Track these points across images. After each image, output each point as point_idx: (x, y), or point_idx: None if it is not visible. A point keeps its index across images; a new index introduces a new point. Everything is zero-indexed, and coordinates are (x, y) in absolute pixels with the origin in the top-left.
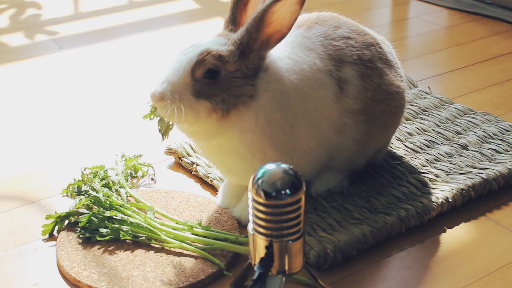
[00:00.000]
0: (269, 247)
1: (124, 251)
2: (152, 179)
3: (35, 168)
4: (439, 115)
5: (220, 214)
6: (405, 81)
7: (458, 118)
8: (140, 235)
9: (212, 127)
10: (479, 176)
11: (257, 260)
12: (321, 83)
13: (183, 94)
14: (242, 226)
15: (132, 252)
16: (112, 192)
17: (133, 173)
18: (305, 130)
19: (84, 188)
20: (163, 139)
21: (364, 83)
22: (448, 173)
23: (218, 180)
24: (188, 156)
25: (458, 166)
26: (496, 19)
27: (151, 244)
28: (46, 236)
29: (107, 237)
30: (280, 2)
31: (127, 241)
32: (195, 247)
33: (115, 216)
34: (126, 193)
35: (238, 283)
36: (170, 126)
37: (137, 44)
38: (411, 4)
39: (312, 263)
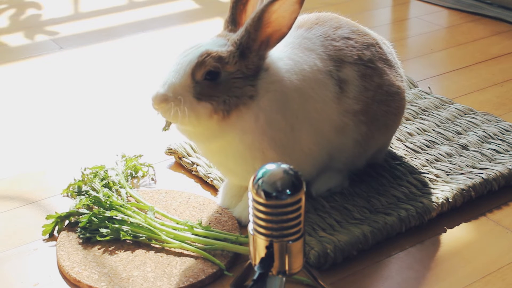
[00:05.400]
0: (269, 247)
1: (124, 251)
2: (153, 179)
3: (35, 168)
4: (439, 115)
5: (220, 214)
6: (406, 81)
7: (458, 118)
8: (141, 235)
9: (213, 128)
10: (479, 176)
11: (258, 260)
12: (321, 84)
13: (184, 96)
14: (242, 226)
15: (132, 252)
16: (113, 192)
17: (133, 173)
18: (305, 130)
19: (84, 188)
20: (165, 129)
21: (365, 83)
22: (448, 173)
23: (218, 180)
24: (188, 156)
25: (459, 166)
26: (496, 19)
27: (152, 244)
28: (46, 236)
29: (108, 237)
30: (278, 1)
31: (128, 241)
32: (196, 247)
33: (116, 216)
34: (126, 193)
35: (238, 283)
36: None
37: (137, 44)
38: (411, 4)
39: (313, 263)
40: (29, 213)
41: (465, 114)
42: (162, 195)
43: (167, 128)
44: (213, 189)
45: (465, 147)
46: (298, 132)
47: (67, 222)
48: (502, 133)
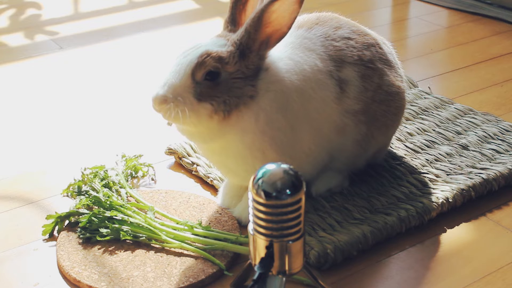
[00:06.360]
0: (269, 247)
1: (124, 251)
2: (153, 179)
3: (35, 168)
4: (439, 115)
5: (220, 214)
6: (405, 82)
7: (458, 118)
8: (141, 235)
9: (213, 129)
10: (479, 176)
11: (258, 260)
12: (321, 84)
13: (185, 97)
14: (242, 226)
15: (132, 252)
16: (113, 192)
17: (133, 173)
18: (305, 130)
19: (84, 188)
20: (170, 124)
21: (365, 83)
22: (448, 173)
23: (218, 180)
24: (188, 156)
25: (459, 166)
26: (496, 19)
27: (152, 244)
28: (47, 236)
29: (108, 237)
30: (278, 1)
31: (128, 241)
32: (196, 247)
33: (116, 216)
34: (126, 193)
35: (238, 283)
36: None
37: (137, 44)
38: (411, 4)
39: (313, 263)
40: (29, 213)
41: (465, 114)
42: (162, 195)
43: (170, 123)
44: (213, 189)
45: (465, 147)
46: (298, 132)
47: (67, 222)
48: (502, 133)
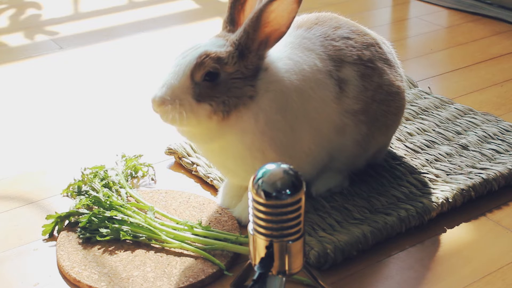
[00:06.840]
0: (269, 247)
1: (124, 251)
2: (152, 179)
3: (35, 168)
4: (439, 115)
5: (220, 214)
6: (405, 81)
7: (458, 118)
8: (140, 235)
9: (212, 129)
10: (479, 176)
11: (257, 260)
12: (321, 84)
13: (183, 98)
14: (242, 226)
15: (132, 252)
16: (112, 192)
17: (133, 173)
18: (305, 131)
19: (84, 188)
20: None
21: (364, 83)
22: (448, 173)
23: (218, 180)
24: (188, 156)
25: (458, 166)
26: (496, 19)
27: (151, 244)
28: (46, 236)
29: (107, 237)
30: (277, 1)
31: (127, 241)
32: (195, 247)
33: (115, 216)
34: (126, 193)
35: (238, 283)
36: None
37: (137, 44)
38: (411, 4)
39: (312, 263)
40: (29, 213)
41: (465, 114)
42: (162, 195)
43: None
44: (213, 189)
45: (465, 147)
46: (298, 132)
47: (67, 222)
48: (502, 133)
